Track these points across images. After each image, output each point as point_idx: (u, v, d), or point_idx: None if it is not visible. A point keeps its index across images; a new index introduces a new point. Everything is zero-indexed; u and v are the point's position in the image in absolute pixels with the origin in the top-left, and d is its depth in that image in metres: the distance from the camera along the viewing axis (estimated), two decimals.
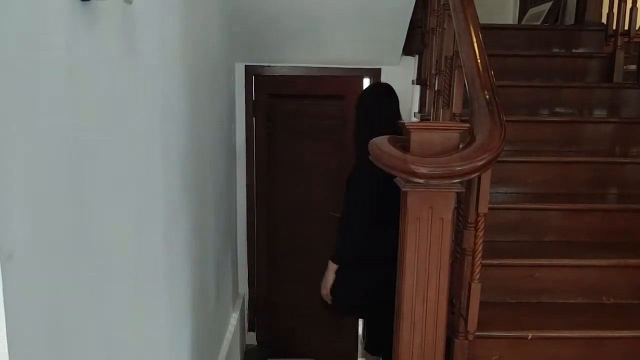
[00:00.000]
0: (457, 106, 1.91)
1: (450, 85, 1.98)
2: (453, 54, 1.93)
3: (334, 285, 2.44)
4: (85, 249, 0.97)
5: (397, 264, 1.48)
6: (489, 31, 2.40)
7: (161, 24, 1.50)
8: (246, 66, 3.37)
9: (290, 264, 3.62)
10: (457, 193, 1.41)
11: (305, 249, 3.49)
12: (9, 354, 0.69)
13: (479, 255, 1.49)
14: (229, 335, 2.96)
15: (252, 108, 3.46)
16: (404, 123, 1.42)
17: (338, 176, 3.04)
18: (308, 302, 3.36)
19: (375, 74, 3.37)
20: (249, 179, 3.53)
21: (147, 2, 1.32)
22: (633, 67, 2.72)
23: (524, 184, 2.24)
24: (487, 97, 1.54)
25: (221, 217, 2.75)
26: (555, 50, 3.11)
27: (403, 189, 1.36)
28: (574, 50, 3.05)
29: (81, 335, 0.97)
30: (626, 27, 2.67)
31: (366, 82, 3.44)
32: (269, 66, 3.39)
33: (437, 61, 2.33)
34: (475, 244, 1.49)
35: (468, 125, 1.48)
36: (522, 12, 4.06)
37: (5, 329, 0.68)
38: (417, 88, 3.07)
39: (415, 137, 1.35)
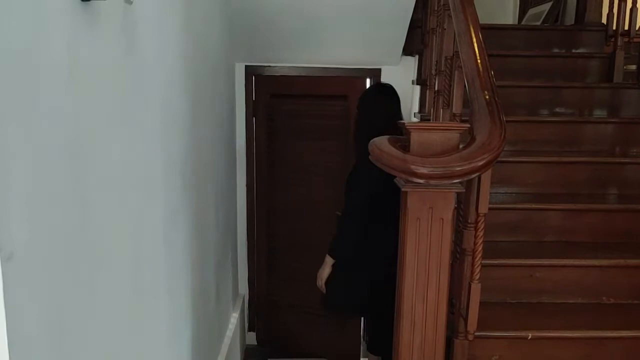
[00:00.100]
0: (457, 106, 1.91)
1: (450, 86, 1.98)
2: (453, 54, 1.93)
3: (331, 281, 2.45)
4: (85, 249, 0.97)
5: (397, 264, 1.48)
6: (489, 31, 2.41)
7: (161, 24, 1.50)
8: (246, 66, 3.37)
9: (291, 264, 3.62)
10: (457, 193, 1.41)
11: (306, 249, 3.48)
12: (9, 354, 0.69)
13: (479, 255, 1.49)
14: (229, 335, 2.96)
15: (252, 108, 3.46)
16: (404, 123, 1.42)
17: (339, 176, 3.04)
18: (308, 302, 3.36)
19: (375, 74, 3.37)
20: (249, 179, 3.53)
21: (148, 2, 1.32)
22: (633, 67, 2.73)
23: (524, 184, 2.24)
24: (487, 97, 1.54)
25: (221, 217, 2.75)
26: (555, 50, 3.12)
27: (403, 189, 1.36)
28: (574, 51, 3.05)
29: (81, 335, 0.97)
30: (626, 27, 2.67)
31: (368, 82, 3.44)
32: (269, 66, 3.39)
33: (437, 61, 2.33)
34: (475, 244, 1.49)
35: (468, 125, 1.48)
36: (522, 12, 4.07)
37: (5, 329, 0.68)
38: (417, 88, 3.07)
39: (415, 137, 1.35)
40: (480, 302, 1.52)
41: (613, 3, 2.73)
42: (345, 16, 2.86)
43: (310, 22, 2.90)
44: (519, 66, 2.83)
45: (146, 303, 1.39)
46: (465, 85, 1.67)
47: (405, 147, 1.37)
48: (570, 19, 3.39)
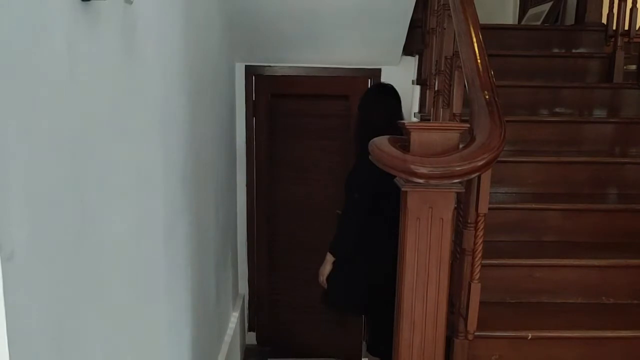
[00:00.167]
0: (457, 106, 1.91)
1: (450, 86, 1.98)
2: (453, 54, 1.93)
3: (332, 278, 2.46)
4: (86, 249, 0.97)
5: (396, 264, 1.48)
6: (489, 31, 2.40)
7: (161, 24, 1.50)
8: (246, 66, 3.37)
9: (291, 264, 3.62)
10: (457, 193, 1.41)
11: (306, 248, 3.48)
12: (9, 354, 0.69)
13: (479, 255, 1.49)
14: (229, 334, 2.96)
15: (252, 108, 3.45)
16: (404, 123, 1.42)
17: (339, 176, 3.04)
18: (308, 302, 3.36)
19: (375, 74, 3.37)
20: (249, 178, 3.53)
21: (148, 2, 1.32)
22: (633, 67, 2.73)
23: (524, 184, 2.24)
24: (487, 97, 1.54)
25: (221, 217, 2.75)
26: (555, 50, 3.11)
27: (403, 189, 1.36)
28: (574, 51, 3.05)
29: (81, 335, 0.97)
30: (626, 28, 2.67)
31: (369, 83, 3.43)
32: (269, 66, 3.39)
33: (437, 61, 2.33)
34: (475, 244, 1.49)
35: (468, 125, 1.48)
36: (522, 12, 4.06)
37: (5, 329, 0.68)
38: (417, 88, 3.07)
39: (415, 137, 1.35)
40: (480, 302, 1.52)
41: (613, 3, 2.74)
42: (346, 16, 2.86)
43: (310, 22, 2.90)
44: (518, 66, 2.83)
45: (146, 303, 1.39)
46: (465, 85, 1.67)
47: (405, 147, 1.37)
48: (570, 19, 3.39)
